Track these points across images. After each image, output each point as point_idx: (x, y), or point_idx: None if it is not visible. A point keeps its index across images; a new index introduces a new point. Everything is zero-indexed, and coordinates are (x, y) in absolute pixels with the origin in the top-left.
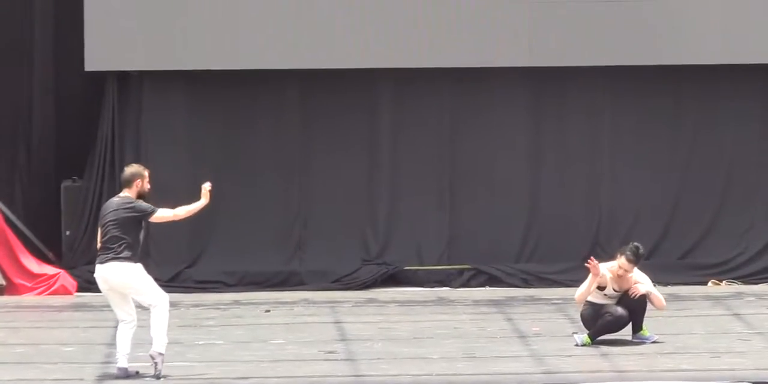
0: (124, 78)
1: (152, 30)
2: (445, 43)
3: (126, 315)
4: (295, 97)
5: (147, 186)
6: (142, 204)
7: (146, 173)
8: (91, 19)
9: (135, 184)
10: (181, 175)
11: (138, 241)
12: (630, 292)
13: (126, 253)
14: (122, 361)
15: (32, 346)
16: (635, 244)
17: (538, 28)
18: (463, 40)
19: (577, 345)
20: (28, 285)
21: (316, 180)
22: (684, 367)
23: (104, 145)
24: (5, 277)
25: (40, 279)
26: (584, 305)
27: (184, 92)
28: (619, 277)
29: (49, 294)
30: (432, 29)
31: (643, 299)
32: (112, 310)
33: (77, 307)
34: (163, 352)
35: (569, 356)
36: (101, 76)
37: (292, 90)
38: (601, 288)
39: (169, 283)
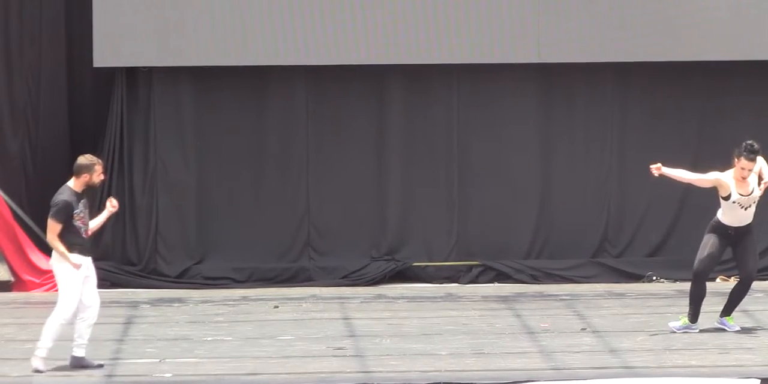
0: (132, 74)
1: (160, 26)
2: (454, 39)
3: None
4: (303, 93)
5: (97, 179)
6: (59, 201)
7: (98, 167)
8: (100, 16)
9: (82, 176)
10: (190, 171)
11: (62, 231)
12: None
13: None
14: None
15: None
16: (747, 141)
17: (547, 25)
18: (472, 37)
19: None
20: (37, 281)
21: (324, 176)
22: (693, 363)
23: (113, 141)
24: (14, 273)
25: (49, 275)
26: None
27: (192, 88)
28: (743, 180)
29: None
30: (440, 25)
31: (747, 284)
32: (120, 306)
33: None
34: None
35: (578, 352)
36: (110, 73)
37: (300, 86)
38: (725, 198)
39: (178, 279)
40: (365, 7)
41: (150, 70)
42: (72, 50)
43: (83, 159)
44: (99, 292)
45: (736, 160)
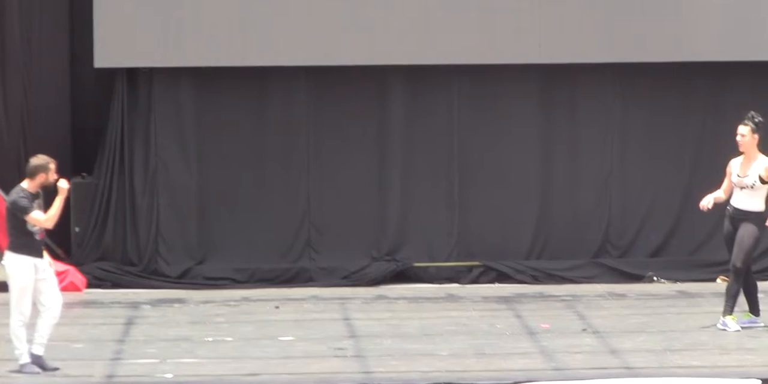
0: (133, 75)
1: (161, 27)
2: (455, 39)
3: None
4: (304, 94)
5: (52, 178)
6: (21, 201)
7: (52, 166)
8: (101, 16)
9: (38, 176)
10: (191, 172)
11: (13, 233)
12: None
13: (8, 244)
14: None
15: None
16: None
17: (548, 25)
18: (473, 37)
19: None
20: None
21: (325, 176)
22: (693, 363)
23: (114, 142)
24: None
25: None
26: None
27: (193, 89)
28: (745, 157)
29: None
30: (441, 26)
31: (734, 276)
32: (121, 307)
33: (86, 303)
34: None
35: (578, 353)
36: (111, 73)
37: (301, 87)
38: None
39: (179, 279)
40: (366, 7)
41: (151, 71)
42: (73, 51)
43: (37, 159)
44: (100, 292)
45: None
